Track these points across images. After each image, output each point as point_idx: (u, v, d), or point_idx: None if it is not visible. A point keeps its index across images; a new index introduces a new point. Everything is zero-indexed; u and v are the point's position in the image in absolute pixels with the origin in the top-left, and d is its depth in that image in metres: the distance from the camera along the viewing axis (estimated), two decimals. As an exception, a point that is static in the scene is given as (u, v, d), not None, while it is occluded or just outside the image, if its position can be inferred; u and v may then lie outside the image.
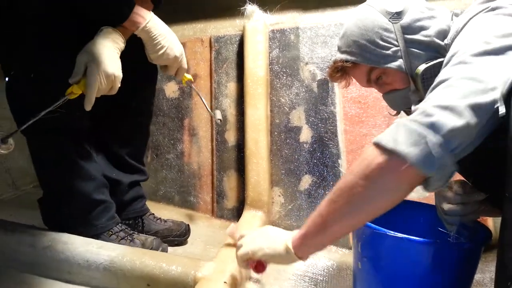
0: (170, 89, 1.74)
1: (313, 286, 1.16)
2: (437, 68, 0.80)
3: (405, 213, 1.08)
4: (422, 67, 0.84)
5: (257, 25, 1.61)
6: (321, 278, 1.20)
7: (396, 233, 0.83)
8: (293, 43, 1.61)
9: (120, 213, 1.26)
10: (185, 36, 1.77)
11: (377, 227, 0.86)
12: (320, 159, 1.53)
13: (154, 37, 1.05)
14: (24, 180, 1.72)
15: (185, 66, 1.18)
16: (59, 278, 1.05)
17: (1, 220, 1.16)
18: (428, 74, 0.83)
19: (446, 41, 0.83)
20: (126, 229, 1.21)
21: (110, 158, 1.27)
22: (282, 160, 1.57)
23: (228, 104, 1.65)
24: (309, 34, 1.61)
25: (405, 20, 0.86)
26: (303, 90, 1.58)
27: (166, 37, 1.08)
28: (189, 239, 1.36)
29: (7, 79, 1.09)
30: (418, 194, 1.39)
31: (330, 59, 1.56)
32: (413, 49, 0.85)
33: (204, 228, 1.51)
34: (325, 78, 1.56)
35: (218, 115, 1.36)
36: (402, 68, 0.86)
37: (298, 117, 1.58)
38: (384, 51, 0.87)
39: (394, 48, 0.86)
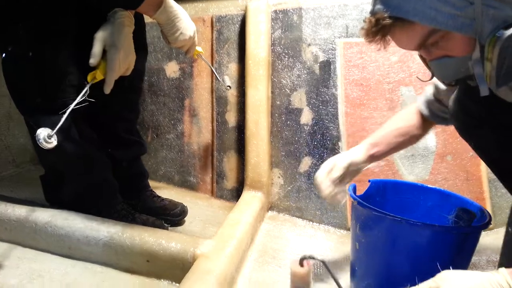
0: (171, 69, 1.73)
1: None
2: None
3: (405, 194, 1.09)
4: (504, 34, 0.64)
5: (259, 5, 1.59)
6: (319, 257, 1.21)
7: (394, 215, 0.83)
8: (296, 24, 1.59)
9: (121, 190, 1.26)
10: (186, 15, 1.75)
11: (376, 208, 0.87)
12: (320, 141, 1.53)
13: (171, 20, 1.04)
14: (24, 157, 1.73)
15: (196, 41, 1.18)
16: (60, 253, 1.06)
17: (2, 196, 1.17)
18: (511, 43, 0.65)
19: None
20: (127, 208, 1.22)
21: (106, 136, 1.26)
22: (282, 142, 1.57)
23: (231, 84, 1.64)
24: (312, 15, 1.58)
25: None
26: (305, 72, 1.57)
27: (181, 19, 1.07)
28: (188, 219, 1.37)
29: (4, 55, 1.07)
30: (416, 177, 1.39)
31: (333, 40, 1.55)
32: (490, 8, 0.66)
33: (203, 208, 1.52)
34: (328, 59, 1.55)
35: (228, 81, 1.35)
36: (473, 32, 0.68)
37: (299, 99, 1.57)
38: (455, 11, 0.67)
39: (469, 7, 0.66)
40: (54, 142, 0.91)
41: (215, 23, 1.69)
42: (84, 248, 1.04)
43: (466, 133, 1.00)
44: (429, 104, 1.03)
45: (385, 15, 0.69)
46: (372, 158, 1.03)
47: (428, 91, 1.04)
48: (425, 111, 1.03)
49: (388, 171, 1.41)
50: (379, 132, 1.06)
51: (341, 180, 0.98)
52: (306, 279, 0.85)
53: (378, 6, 0.71)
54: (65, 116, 0.93)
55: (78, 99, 0.94)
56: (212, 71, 1.30)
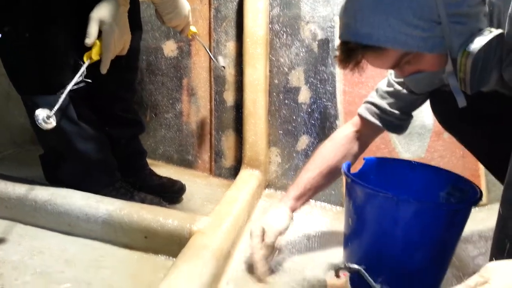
0: (169, 48, 1.72)
1: (305, 241, 1.19)
2: (492, 43, 0.66)
3: (399, 172, 1.10)
4: (474, 48, 0.66)
5: (257, -19, 1.57)
6: (314, 234, 1.23)
7: (386, 192, 0.84)
8: (294, 1, 1.57)
9: (120, 169, 1.28)
10: (183, -8, 1.72)
11: (368, 186, 0.88)
12: (318, 120, 1.53)
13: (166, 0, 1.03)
14: (24, 137, 1.74)
15: (191, 21, 1.17)
16: (60, 230, 1.08)
17: (2, 175, 1.19)
18: (481, 54, 0.67)
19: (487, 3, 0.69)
20: (126, 186, 1.24)
21: (103, 115, 1.26)
22: (280, 121, 1.57)
23: (227, 64, 1.63)
24: (310, -9, 1.56)
25: None
26: (303, 50, 1.56)
27: (177, 1, 1.06)
28: (187, 196, 1.39)
29: (0, 35, 1.07)
30: (413, 155, 1.40)
31: (332, 18, 1.53)
32: (456, 24, 0.67)
33: (202, 186, 1.54)
34: (326, 38, 1.53)
35: (222, 61, 1.35)
36: (444, 49, 0.70)
37: (297, 78, 1.56)
38: (424, 33, 0.67)
39: (437, 27, 0.67)
40: (53, 122, 0.92)
41: (212, 1, 1.67)
42: (84, 225, 1.06)
43: (449, 127, 1.01)
44: (381, 112, 1.02)
45: (357, 44, 0.70)
46: (297, 209, 1.06)
47: (381, 87, 1.04)
48: (375, 120, 1.03)
49: (385, 149, 1.42)
50: (302, 179, 1.06)
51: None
52: None
53: (348, 36, 0.72)
54: (63, 96, 0.94)
55: (75, 79, 0.94)
56: (207, 52, 1.30)
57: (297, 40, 1.57)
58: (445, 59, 0.71)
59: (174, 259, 0.94)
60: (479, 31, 0.68)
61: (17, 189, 1.12)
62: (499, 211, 0.71)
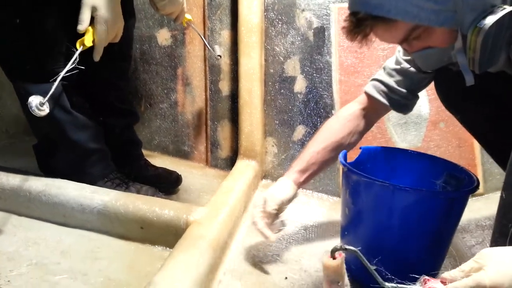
0: (162, 37, 1.70)
1: (303, 231, 1.19)
2: (503, 20, 0.65)
3: (395, 161, 1.09)
4: (486, 24, 0.65)
5: (252, -32, 1.54)
6: (311, 224, 1.24)
7: (383, 181, 0.84)
8: (290, -11, 1.55)
9: (115, 159, 1.27)
10: (177, -20, 1.70)
11: (365, 174, 0.87)
12: (314, 109, 1.52)
13: None
14: (17, 128, 1.72)
15: (185, 8, 1.15)
16: (55, 221, 1.08)
17: (-4, 166, 1.18)
18: (492, 31, 0.66)
19: None
20: (121, 177, 1.23)
21: (97, 104, 1.25)
22: (276, 110, 1.56)
23: (222, 53, 1.61)
24: (306, -22, 1.54)
25: None
26: (299, 38, 1.54)
27: None
28: (183, 187, 1.38)
29: None
30: (409, 144, 1.40)
31: (328, 6, 1.51)
32: (470, 0, 0.66)
33: (198, 177, 1.53)
34: (322, 26, 1.52)
35: (218, 50, 1.34)
36: (455, 24, 0.68)
37: (293, 67, 1.55)
38: (437, 6, 0.67)
39: (450, 0, 0.66)
40: (46, 109, 0.91)
41: (207, -12, 1.64)
42: (79, 216, 1.05)
43: (452, 106, 1.01)
44: (388, 90, 1.02)
45: (366, 15, 0.69)
46: (302, 184, 1.04)
47: (389, 65, 1.03)
48: (376, 94, 1.02)
49: (381, 139, 1.42)
50: (307, 153, 1.04)
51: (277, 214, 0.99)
52: (340, 271, 0.84)
53: (358, 6, 0.70)
54: (56, 83, 0.93)
55: (68, 66, 0.93)
56: (203, 40, 1.28)
57: (292, 28, 1.55)
58: (455, 35, 0.70)
59: (171, 249, 0.93)
60: (491, 8, 0.66)
61: (11, 180, 1.11)
62: (502, 196, 0.70)
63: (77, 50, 0.94)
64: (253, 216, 0.97)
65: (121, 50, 1.21)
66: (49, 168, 1.20)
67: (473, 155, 1.31)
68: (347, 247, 0.80)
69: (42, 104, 0.90)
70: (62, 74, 0.93)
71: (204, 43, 1.31)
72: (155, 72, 1.72)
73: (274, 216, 0.98)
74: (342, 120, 1.06)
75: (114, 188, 1.16)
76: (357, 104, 1.07)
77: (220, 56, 1.35)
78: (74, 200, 1.05)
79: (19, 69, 1.06)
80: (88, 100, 1.19)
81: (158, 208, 1.02)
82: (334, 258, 0.83)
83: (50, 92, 0.91)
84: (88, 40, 0.95)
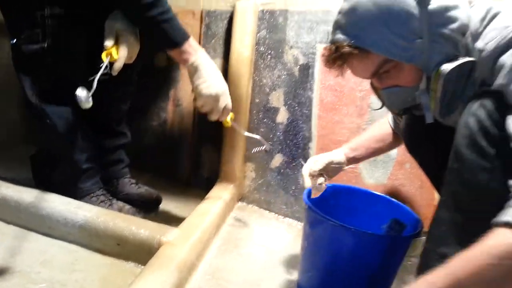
0: (159, 59, 1.80)
1: (269, 255, 1.28)
2: (464, 69, 0.74)
3: (356, 201, 1.20)
4: (447, 67, 0.73)
5: (247, 5, 1.65)
6: (278, 248, 1.33)
7: (333, 220, 0.94)
8: (281, 26, 1.66)
9: (102, 175, 1.35)
10: (178, 6, 1.79)
11: (319, 212, 0.97)
12: (293, 140, 1.63)
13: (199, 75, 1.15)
14: (14, 135, 1.81)
15: (230, 106, 1.22)
16: (40, 232, 1.17)
17: (-10, 175, 1.27)
18: (453, 76, 0.74)
19: (466, 38, 0.77)
20: (106, 194, 1.32)
21: (97, 126, 1.35)
22: (258, 138, 1.66)
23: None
24: (296, 18, 1.65)
25: (433, 5, 0.73)
26: (285, 73, 1.65)
27: (206, 80, 1.16)
28: (163, 206, 1.48)
29: (14, 40, 1.11)
30: (376, 181, 1.51)
31: (314, 45, 1.62)
32: (436, 44, 0.75)
33: (179, 196, 1.62)
34: (307, 63, 1.62)
35: (267, 145, 1.36)
36: (421, 64, 0.77)
37: (277, 99, 1.66)
38: (406, 43, 0.75)
39: (419, 40, 0.75)
40: (91, 102, 1.00)
41: (204, 17, 1.75)
42: (63, 229, 1.14)
43: (412, 150, 1.11)
44: (395, 118, 1.14)
45: (345, 43, 0.78)
46: (351, 160, 1.17)
47: None
48: (392, 125, 1.16)
49: (351, 174, 1.52)
50: (359, 138, 1.20)
51: (323, 174, 1.11)
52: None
53: (339, 35, 0.80)
54: (95, 84, 1.00)
55: (101, 71, 1.02)
56: (254, 137, 1.33)
57: (280, 63, 1.66)
58: (420, 76, 0.79)
59: (143, 266, 1.03)
60: (455, 57, 0.75)
61: (3, 190, 1.20)
62: (424, 245, 0.81)
63: (104, 61, 1.03)
64: (302, 175, 1.10)
65: (128, 74, 1.30)
66: (43, 179, 1.29)
67: (432, 196, 1.41)
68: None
69: (88, 97, 0.99)
70: (97, 76, 1.01)
71: (258, 140, 1.34)
72: (149, 91, 1.82)
73: (318, 176, 1.10)
74: (385, 124, 1.19)
75: (98, 204, 1.25)
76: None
77: (267, 150, 1.37)
78: (60, 213, 1.15)
79: (40, 90, 1.15)
80: (88, 120, 1.29)
81: (134, 227, 1.11)
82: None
83: (92, 90, 1.00)
84: (115, 53, 1.05)
